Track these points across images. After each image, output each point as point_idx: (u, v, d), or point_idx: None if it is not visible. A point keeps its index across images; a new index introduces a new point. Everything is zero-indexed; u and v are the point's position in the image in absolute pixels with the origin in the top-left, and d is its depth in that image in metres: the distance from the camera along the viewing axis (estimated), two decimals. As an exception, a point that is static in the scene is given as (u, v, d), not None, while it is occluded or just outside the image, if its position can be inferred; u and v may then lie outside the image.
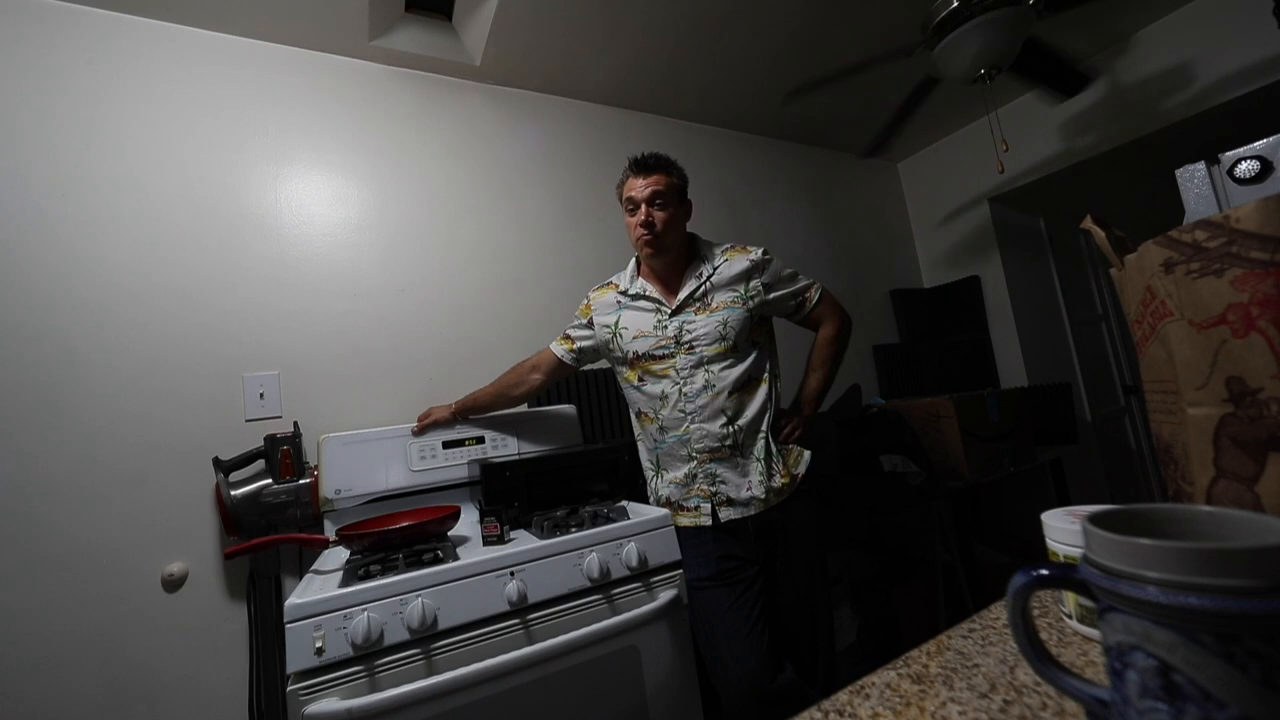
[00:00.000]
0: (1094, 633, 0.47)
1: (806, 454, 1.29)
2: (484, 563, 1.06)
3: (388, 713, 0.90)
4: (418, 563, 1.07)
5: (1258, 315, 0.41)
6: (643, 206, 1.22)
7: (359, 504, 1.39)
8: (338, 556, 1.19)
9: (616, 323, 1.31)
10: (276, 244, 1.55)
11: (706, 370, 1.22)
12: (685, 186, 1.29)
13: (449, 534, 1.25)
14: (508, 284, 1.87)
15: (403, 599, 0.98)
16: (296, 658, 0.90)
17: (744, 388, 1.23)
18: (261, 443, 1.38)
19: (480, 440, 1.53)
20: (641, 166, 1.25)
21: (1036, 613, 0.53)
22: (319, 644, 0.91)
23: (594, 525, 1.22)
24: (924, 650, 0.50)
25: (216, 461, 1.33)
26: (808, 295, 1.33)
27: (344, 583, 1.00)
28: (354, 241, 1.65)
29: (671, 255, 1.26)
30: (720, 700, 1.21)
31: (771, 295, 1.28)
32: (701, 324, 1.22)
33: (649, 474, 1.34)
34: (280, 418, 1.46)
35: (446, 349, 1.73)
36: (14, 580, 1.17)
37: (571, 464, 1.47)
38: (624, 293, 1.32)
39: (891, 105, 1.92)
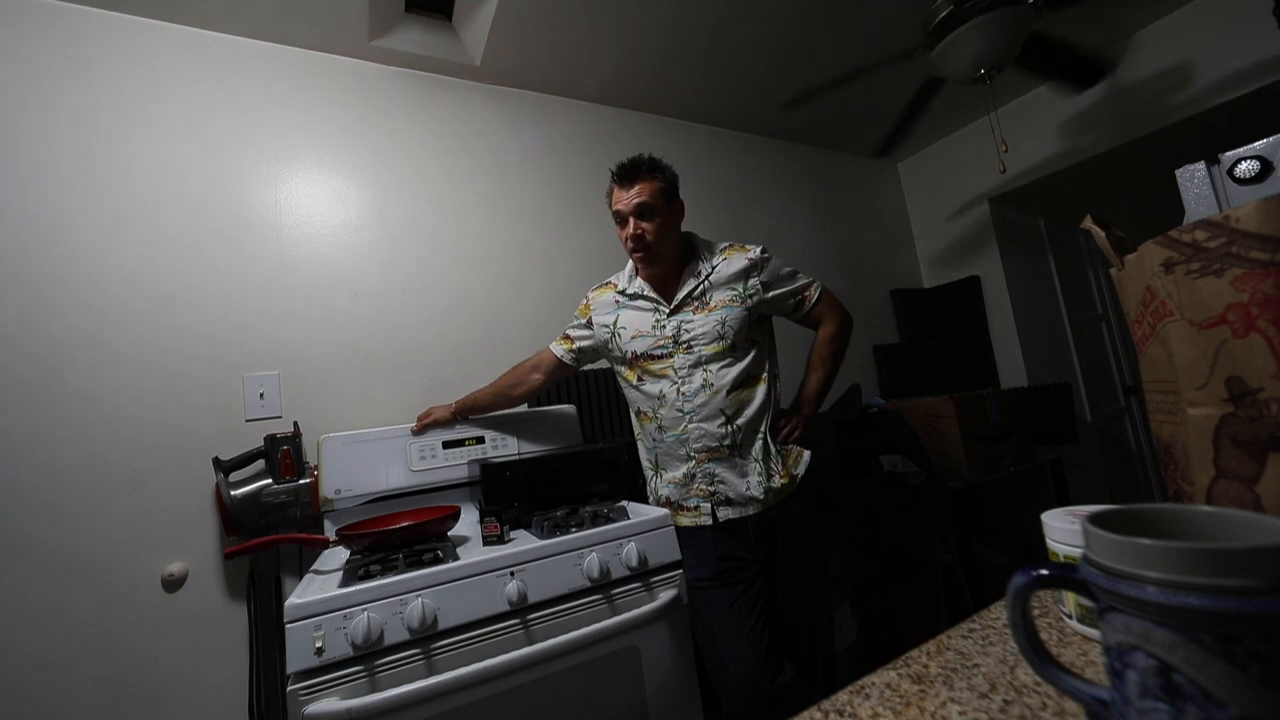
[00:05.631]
0: (1094, 633, 0.47)
1: (806, 454, 1.29)
2: (484, 563, 1.06)
3: (388, 713, 0.90)
4: (418, 563, 1.07)
5: (1258, 315, 0.41)
6: (630, 220, 1.20)
7: (359, 504, 1.39)
8: (338, 556, 1.19)
9: (615, 322, 1.31)
10: (276, 244, 1.55)
11: (705, 370, 1.21)
12: (674, 187, 1.24)
13: (449, 534, 1.25)
14: (508, 284, 1.87)
15: (403, 599, 0.98)
16: (296, 658, 0.90)
17: (742, 387, 1.22)
18: (261, 443, 1.38)
19: (480, 440, 1.53)
20: (624, 176, 1.21)
21: (1036, 613, 0.53)
22: (319, 644, 0.91)
23: (594, 525, 1.21)
24: (924, 650, 0.50)
25: (216, 461, 1.33)
26: (807, 294, 1.32)
27: (344, 583, 1.00)
28: (354, 241, 1.65)
29: (668, 260, 1.25)
30: (720, 700, 1.20)
31: (770, 294, 1.27)
32: (700, 323, 1.22)
33: (648, 473, 1.34)
34: (280, 418, 1.46)
35: (446, 349, 1.73)
36: (14, 580, 1.17)
37: (571, 464, 1.47)
38: (622, 292, 1.32)
39: (895, 105, 1.92)
